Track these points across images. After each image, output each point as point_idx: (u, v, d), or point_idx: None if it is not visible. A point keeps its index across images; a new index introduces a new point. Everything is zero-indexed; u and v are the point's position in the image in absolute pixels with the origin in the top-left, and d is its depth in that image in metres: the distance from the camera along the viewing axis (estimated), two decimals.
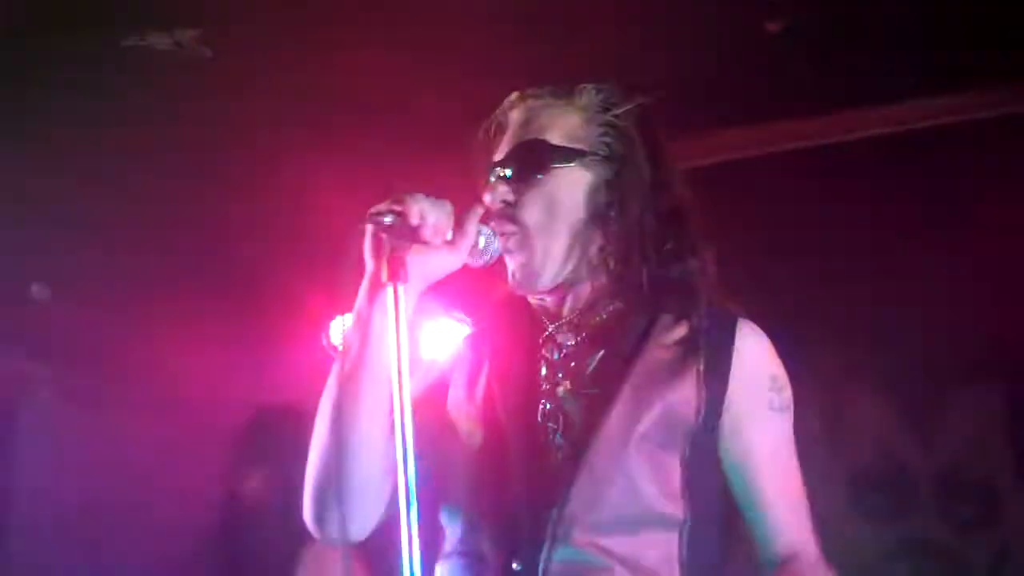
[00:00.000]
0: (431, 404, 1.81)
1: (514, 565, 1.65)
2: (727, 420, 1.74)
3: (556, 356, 1.80)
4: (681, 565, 1.68)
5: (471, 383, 1.84)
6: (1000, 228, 3.49)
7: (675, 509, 1.69)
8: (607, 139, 1.83)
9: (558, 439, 1.72)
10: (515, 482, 1.69)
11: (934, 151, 3.75)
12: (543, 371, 1.79)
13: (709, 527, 1.74)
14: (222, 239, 4.01)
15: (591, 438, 1.69)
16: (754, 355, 1.79)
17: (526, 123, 1.84)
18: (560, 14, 3.26)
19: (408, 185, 1.67)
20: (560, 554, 1.64)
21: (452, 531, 1.78)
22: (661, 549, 1.68)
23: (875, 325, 3.77)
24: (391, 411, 1.53)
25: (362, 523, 1.71)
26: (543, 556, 1.64)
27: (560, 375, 1.78)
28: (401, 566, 1.47)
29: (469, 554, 1.73)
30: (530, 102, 1.87)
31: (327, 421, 1.67)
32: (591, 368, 1.77)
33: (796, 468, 1.80)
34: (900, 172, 3.78)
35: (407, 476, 1.49)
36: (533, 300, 1.86)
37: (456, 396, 1.84)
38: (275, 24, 3.28)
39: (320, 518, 1.70)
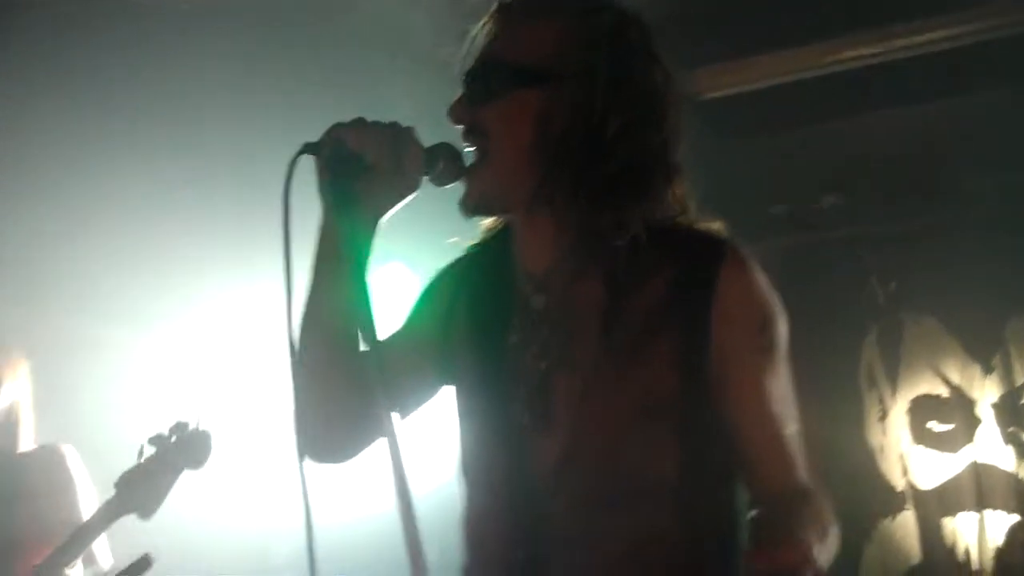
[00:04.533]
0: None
1: (519, 554, 1.60)
2: (712, 371, 1.60)
3: (528, 326, 1.68)
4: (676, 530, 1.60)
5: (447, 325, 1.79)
6: None
7: (671, 477, 1.60)
8: (573, 54, 1.65)
9: (540, 422, 1.63)
10: (508, 476, 1.63)
11: None
12: (514, 339, 1.69)
13: (702, 491, 1.62)
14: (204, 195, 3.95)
15: (583, 421, 1.61)
16: (737, 291, 1.62)
17: (495, 37, 1.70)
18: None
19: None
20: (565, 535, 1.59)
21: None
22: (658, 519, 1.60)
23: None
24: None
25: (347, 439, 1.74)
26: (549, 542, 1.59)
27: (535, 349, 1.67)
28: None
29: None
30: (506, 12, 1.71)
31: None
32: (564, 341, 1.65)
33: (786, 412, 1.65)
34: None
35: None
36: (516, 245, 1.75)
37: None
38: None
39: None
